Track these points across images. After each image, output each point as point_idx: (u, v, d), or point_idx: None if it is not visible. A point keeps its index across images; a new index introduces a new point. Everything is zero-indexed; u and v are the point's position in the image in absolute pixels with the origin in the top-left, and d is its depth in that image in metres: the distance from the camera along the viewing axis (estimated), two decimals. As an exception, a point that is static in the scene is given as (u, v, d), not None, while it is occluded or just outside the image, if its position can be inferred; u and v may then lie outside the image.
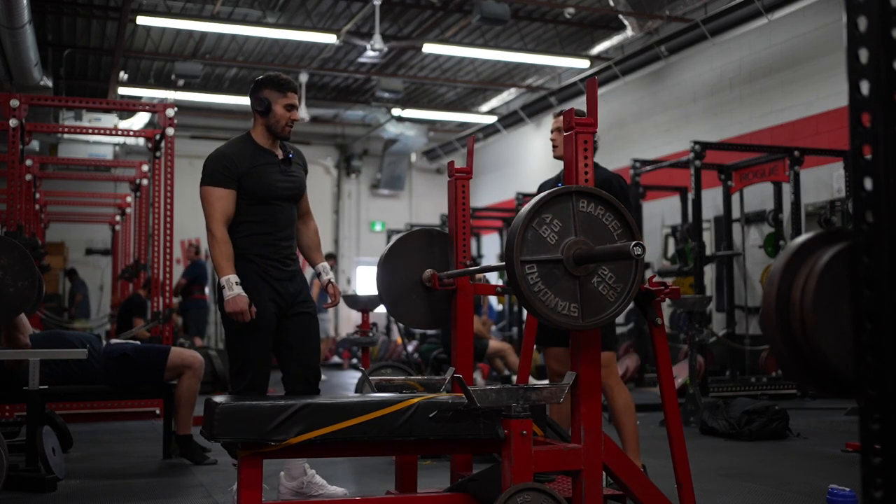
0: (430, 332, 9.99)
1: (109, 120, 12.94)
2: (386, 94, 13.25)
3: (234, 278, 3.43)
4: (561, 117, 3.41)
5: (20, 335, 4.50)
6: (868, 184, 1.03)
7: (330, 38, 11.30)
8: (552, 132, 3.93)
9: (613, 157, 10.72)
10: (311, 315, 3.68)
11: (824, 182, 8.90)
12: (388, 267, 3.48)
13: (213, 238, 3.48)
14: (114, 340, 5.10)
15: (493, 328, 11.41)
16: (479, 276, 5.62)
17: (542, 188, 3.97)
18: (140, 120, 13.50)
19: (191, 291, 11.62)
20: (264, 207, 3.54)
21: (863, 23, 1.03)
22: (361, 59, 11.37)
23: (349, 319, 15.54)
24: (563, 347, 3.91)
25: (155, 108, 7.33)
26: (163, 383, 4.91)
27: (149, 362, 4.82)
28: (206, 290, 11.99)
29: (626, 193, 3.84)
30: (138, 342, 5.42)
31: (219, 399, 2.83)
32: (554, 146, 3.94)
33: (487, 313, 10.65)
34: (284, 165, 3.63)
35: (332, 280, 3.83)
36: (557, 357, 3.98)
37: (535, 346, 3.92)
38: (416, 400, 2.86)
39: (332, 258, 15.45)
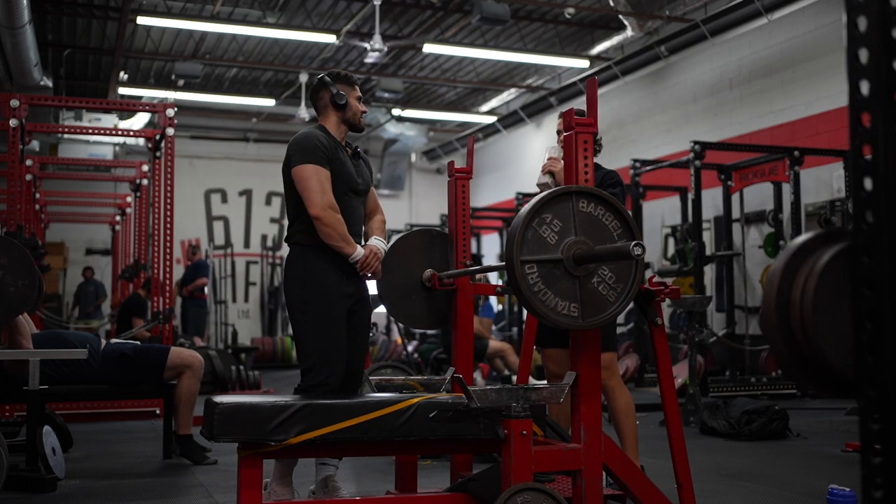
0: (430, 332, 10.00)
1: (109, 120, 12.94)
2: (386, 94, 13.25)
3: (360, 251, 3.38)
4: None
5: (23, 339, 4.49)
6: (868, 184, 1.03)
7: (330, 38, 11.30)
8: (558, 133, 3.92)
9: (613, 157, 10.71)
10: (369, 314, 3.61)
11: (824, 182, 8.90)
12: (388, 267, 3.48)
13: (331, 213, 3.32)
14: (113, 340, 5.10)
15: (494, 328, 11.41)
16: (478, 276, 5.62)
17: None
18: (140, 120, 13.51)
19: (194, 291, 11.68)
20: (341, 198, 3.44)
21: (863, 23, 1.03)
22: (367, 60, 11.35)
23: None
24: (561, 349, 3.91)
25: (155, 108, 7.33)
26: (162, 383, 4.90)
27: (148, 362, 4.81)
28: (206, 290, 12.00)
29: (620, 186, 3.83)
30: (138, 342, 5.42)
31: (219, 399, 2.84)
32: (542, 174, 3.94)
33: (482, 312, 10.63)
34: (355, 160, 3.62)
35: (379, 248, 3.49)
36: (555, 358, 3.98)
37: (534, 346, 3.92)
38: (416, 400, 2.86)
39: None
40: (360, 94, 3.65)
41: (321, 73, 3.67)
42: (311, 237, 3.40)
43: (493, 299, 12.39)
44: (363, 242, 3.56)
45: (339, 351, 3.38)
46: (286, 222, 3.60)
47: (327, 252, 3.38)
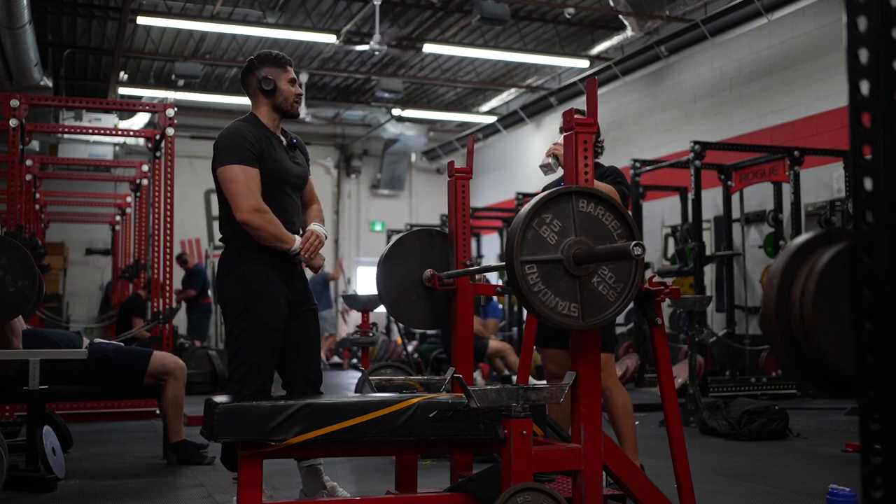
0: (430, 332, 10.00)
1: (109, 120, 12.94)
2: (386, 94, 13.25)
3: (299, 242, 3.28)
4: None
5: (15, 339, 4.48)
6: (868, 184, 1.03)
7: (330, 38, 11.31)
8: (549, 148, 3.93)
9: (613, 157, 10.70)
10: (315, 313, 3.49)
11: (824, 182, 8.90)
12: (388, 267, 3.47)
13: (258, 216, 3.18)
14: (97, 340, 5.05)
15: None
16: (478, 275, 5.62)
17: (546, 189, 3.96)
18: (140, 120, 13.51)
19: (196, 297, 11.75)
20: (275, 195, 3.28)
21: (863, 23, 1.03)
22: (371, 50, 11.34)
23: (349, 320, 15.54)
24: (560, 349, 3.91)
25: (155, 108, 7.33)
26: (143, 386, 4.83)
27: (128, 365, 4.73)
28: (210, 292, 12.01)
29: (624, 187, 3.82)
30: (122, 343, 5.37)
31: (219, 399, 2.84)
32: (544, 166, 3.94)
33: (487, 313, 10.62)
34: (291, 151, 3.43)
35: (319, 231, 3.39)
36: (554, 359, 3.98)
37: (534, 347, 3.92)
38: (416, 400, 2.86)
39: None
40: (293, 75, 3.42)
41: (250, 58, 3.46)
42: (249, 237, 3.25)
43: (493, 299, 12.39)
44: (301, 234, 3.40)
45: (272, 362, 3.29)
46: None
47: (266, 253, 3.26)
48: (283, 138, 3.44)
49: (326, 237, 3.43)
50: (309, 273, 3.61)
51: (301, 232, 3.41)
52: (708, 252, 8.47)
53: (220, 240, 3.42)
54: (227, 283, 3.30)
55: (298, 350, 3.40)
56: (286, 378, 3.47)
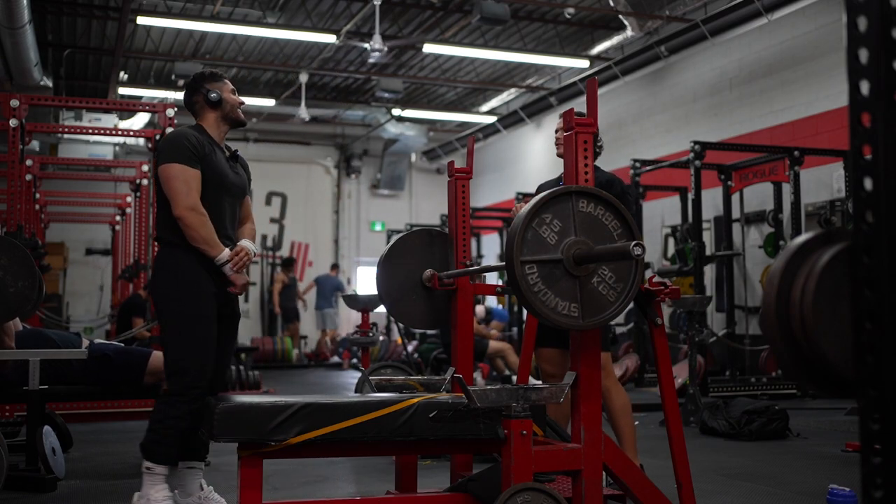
0: (430, 332, 10.00)
1: (109, 120, 12.95)
2: (386, 94, 13.25)
3: (227, 253, 3.33)
4: None
5: (8, 340, 4.47)
6: (868, 184, 1.02)
7: (330, 38, 11.30)
8: (557, 132, 3.92)
9: (613, 157, 10.72)
10: (235, 321, 3.57)
11: (824, 182, 8.90)
12: (388, 267, 3.47)
13: (194, 215, 3.28)
14: (97, 341, 5.05)
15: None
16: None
17: (540, 189, 3.96)
18: (140, 120, 13.51)
19: None
20: (213, 200, 3.39)
21: (863, 23, 1.03)
22: (370, 60, 11.36)
23: (349, 319, 15.55)
24: (556, 349, 3.91)
25: (155, 108, 7.33)
26: (142, 386, 4.83)
27: (127, 365, 4.73)
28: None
29: (628, 197, 3.83)
30: (122, 343, 5.37)
31: (218, 399, 2.83)
32: (557, 145, 3.93)
33: (495, 316, 10.64)
34: (232, 161, 3.56)
35: (249, 247, 3.45)
36: (549, 358, 3.98)
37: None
38: (416, 400, 2.86)
39: (335, 268, 15.54)
40: (231, 86, 3.61)
41: (193, 76, 3.61)
42: (182, 236, 3.34)
43: (493, 299, 12.40)
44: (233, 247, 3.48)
45: (210, 352, 3.32)
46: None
47: (198, 252, 3.33)
48: (226, 150, 3.57)
49: (255, 255, 3.52)
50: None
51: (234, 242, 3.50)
52: (708, 252, 8.47)
53: (155, 239, 3.48)
54: (159, 278, 3.39)
55: (216, 349, 3.42)
56: None
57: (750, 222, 9.68)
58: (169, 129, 6.81)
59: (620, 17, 11.00)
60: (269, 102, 14.39)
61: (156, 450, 3.25)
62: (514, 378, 7.15)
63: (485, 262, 13.74)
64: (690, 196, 8.12)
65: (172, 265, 3.36)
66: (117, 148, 14.16)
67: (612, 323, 6.32)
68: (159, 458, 3.25)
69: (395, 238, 3.61)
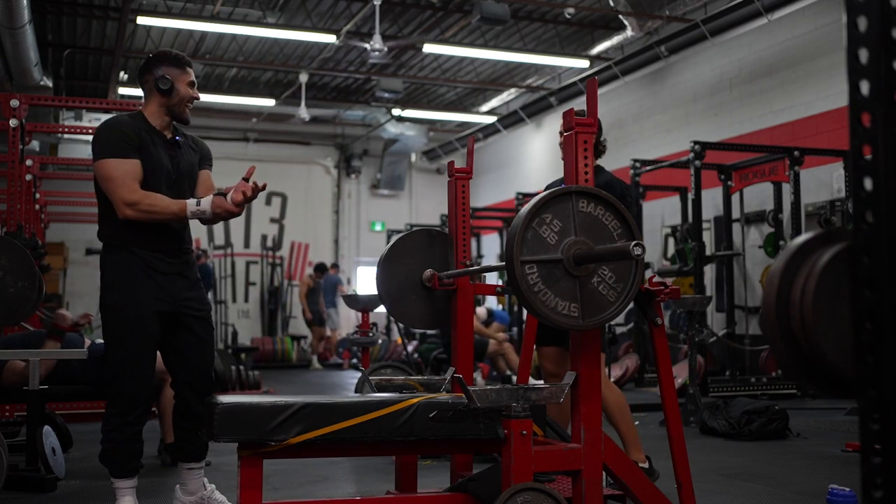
0: (430, 332, 10.00)
1: (109, 120, 12.92)
2: (386, 94, 13.26)
3: (192, 201, 3.16)
4: None
5: (16, 378, 4.48)
6: (868, 184, 1.02)
7: (330, 38, 11.31)
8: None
9: (613, 157, 10.69)
10: (206, 321, 3.40)
11: (824, 182, 8.91)
12: (388, 267, 3.47)
13: (139, 210, 3.10)
14: (97, 341, 5.05)
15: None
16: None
17: (548, 189, 3.96)
18: (140, 120, 13.48)
19: None
20: (151, 190, 3.18)
21: (863, 23, 1.03)
22: (370, 60, 11.36)
23: (349, 319, 15.55)
24: (557, 347, 3.91)
25: (155, 108, 7.32)
26: None
27: None
28: (210, 293, 12.02)
29: (629, 198, 3.83)
30: None
31: (219, 399, 2.83)
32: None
33: (496, 318, 10.62)
34: (173, 150, 3.31)
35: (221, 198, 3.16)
36: (550, 357, 3.98)
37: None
38: (416, 400, 2.86)
39: (335, 267, 15.52)
40: (192, 78, 3.33)
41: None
42: (122, 237, 3.20)
43: (493, 300, 12.40)
44: (185, 239, 3.35)
45: (149, 361, 3.24)
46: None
47: (142, 252, 3.20)
48: (168, 135, 3.33)
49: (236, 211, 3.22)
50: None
51: (186, 239, 3.37)
52: (708, 252, 8.48)
53: (99, 238, 3.31)
54: (101, 284, 3.26)
55: (182, 355, 3.35)
56: (172, 382, 3.45)
57: (750, 222, 9.68)
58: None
59: (620, 17, 11.00)
60: (269, 102, 14.39)
61: (109, 467, 3.23)
62: (514, 378, 7.15)
63: (485, 262, 13.74)
64: (690, 196, 8.12)
65: (109, 272, 3.23)
66: (117, 148, 14.14)
67: (612, 323, 6.33)
68: (115, 472, 3.24)
69: (395, 238, 3.61)
